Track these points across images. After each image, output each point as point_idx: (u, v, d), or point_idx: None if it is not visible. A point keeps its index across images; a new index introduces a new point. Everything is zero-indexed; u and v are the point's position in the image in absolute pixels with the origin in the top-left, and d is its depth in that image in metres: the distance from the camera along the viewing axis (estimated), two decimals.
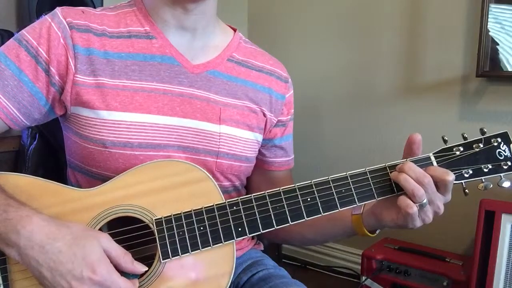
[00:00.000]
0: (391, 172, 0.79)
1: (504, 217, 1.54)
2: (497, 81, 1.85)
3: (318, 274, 2.37)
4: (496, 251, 1.55)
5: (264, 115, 0.94)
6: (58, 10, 0.83)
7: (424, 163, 0.79)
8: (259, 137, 0.95)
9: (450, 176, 0.76)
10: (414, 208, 0.75)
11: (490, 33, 1.77)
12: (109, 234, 0.78)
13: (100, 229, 0.77)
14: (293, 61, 2.34)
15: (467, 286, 1.65)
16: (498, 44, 1.77)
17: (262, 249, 1.07)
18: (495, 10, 1.75)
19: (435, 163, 0.79)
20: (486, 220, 1.58)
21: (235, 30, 0.98)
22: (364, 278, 1.91)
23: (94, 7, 1.63)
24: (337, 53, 2.31)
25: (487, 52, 1.78)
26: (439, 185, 0.76)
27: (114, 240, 0.75)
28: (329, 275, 2.35)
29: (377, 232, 0.87)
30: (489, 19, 1.75)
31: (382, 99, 2.18)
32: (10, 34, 1.62)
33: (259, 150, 0.97)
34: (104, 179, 0.81)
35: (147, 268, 0.74)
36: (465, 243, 1.95)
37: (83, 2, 1.68)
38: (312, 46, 2.39)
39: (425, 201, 0.75)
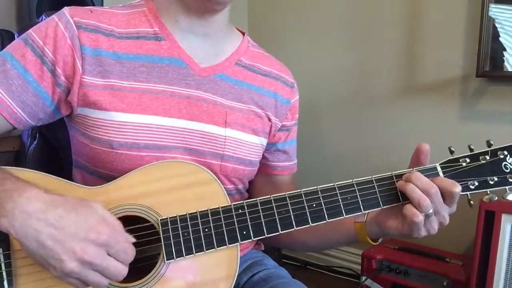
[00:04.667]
0: (397, 181, 0.79)
1: (504, 217, 1.54)
2: (497, 81, 1.85)
3: (318, 274, 2.37)
4: (496, 251, 1.55)
5: (269, 119, 0.94)
6: (65, 9, 0.82)
7: (430, 173, 0.79)
8: (264, 141, 0.95)
9: (457, 188, 0.75)
10: (420, 217, 0.75)
11: (490, 33, 1.76)
12: None
13: None
14: (293, 61, 2.32)
15: (467, 286, 1.65)
16: (498, 44, 1.77)
17: (263, 249, 1.07)
18: (495, 10, 1.75)
19: (441, 174, 0.79)
20: (486, 220, 1.58)
21: (243, 34, 0.97)
22: (364, 278, 1.91)
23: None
24: (337, 53, 2.31)
25: (487, 52, 1.78)
26: (446, 196, 0.76)
27: None
28: (329, 275, 2.35)
29: (380, 240, 0.87)
30: (489, 19, 1.75)
31: (382, 99, 2.18)
32: (10, 34, 1.62)
33: (262, 154, 0.97)
34: (110, 179, 0.80)
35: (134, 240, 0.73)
36: (465, 243, 1.96)
37: (83, 2, 1.68)
38: (312, 46, 2.39)
39: (430, 211, 0.75)
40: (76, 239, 0.65)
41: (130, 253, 0.71)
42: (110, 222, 0.70)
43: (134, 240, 0.73)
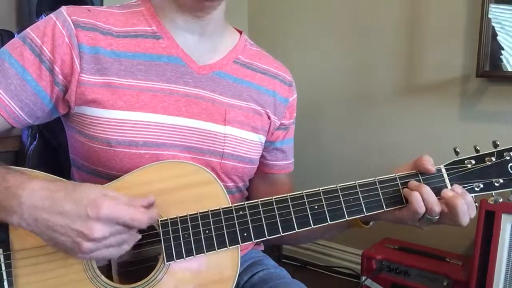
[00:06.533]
0: (401, 183, 0.79)
1: (504, 217, 1.55)
2: (497, 81, 1.85)
3: (318, 274, 2.37)
4: (496, 251, 1.55)
5: (269, 117, 0.95)
6: (63, 8, 0.82)
7: (436, 179, 0.79)
8: (263, 139, 0.95)
9: (466, 222, 0.77)
10: (421, 215, 0.77)
11: (489, 33, 1.76)
12: None
13: None
14: (293, 61, 2.33)
15: (467, 286, 1.65)
16: (498, 44, 1.77)
17: (263, 249, 1.07)
18: (495, 10, 1.75)
19: (445, 176, 0.79)
20: (486, 220, 1.58)
21: (241, 32, 0.98)
22: (364, 278, 1.91)
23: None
24: (337, 53, 2.31)
25: (487, 52, 1.78)
26: (451, 211, 0.77)
27: None
28: (329, 275, 2.35)
29: (371, 223, 0.87)
30: (489, 19, 1.75)
31: (382, 99, 2.18)
32: (10, 34, 1.62)
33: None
34: (109, 178, 0.80)
35: (153, 200, 0.73)
36: (465, 243, 1.96)
37: (83, 2, 1.68)
38: (312, 46, 2.39)
39: (435, 218, 0.77)
40: (80, 220, 0.66)
41: (140, 218, 0.69)
42: (111, 195, 0.69)
43: (151, 200, 0.72)
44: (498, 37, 1.76)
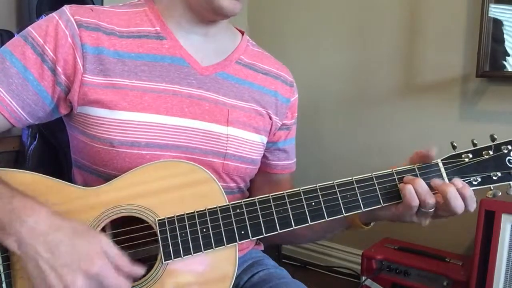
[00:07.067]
0: (398, 178, 0.79)
1: (504, 217, 1.54)
2: (497, 81, 1.85)
3: (318, 274, 2.37)
4: (496, 251, 1.55)
5: (270, 118, 0.95)
6: (66, 8, 0.82)
7: (433, 173, 0.79)
8: (265, 140, 0.95)
9: (460, 209, 0.76)
10: (415, 208, 0.77)
11: (490, 33, 1.76)
12: (112, 233, 0.78)
13: (103, 228, 0.76)
14: (293, 61, 2.33)
15: (467, 286, 1.65)
16: (498, 44, 1.77)
17: (263, 249, 1.07)
18: (495, 10, 1.75)
19: (443, 170, 0.79)
20: (486, 220, 1.57)
21: (242, 33, 0.98)
22: (364, 278, 1.91)
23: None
24: (336, 53, 2.31)
25: (487, 52, 1.78)
26: (444, 200, 0.76)
27: (117, 240, 0.76)
28: (329, 275, 2.35)
29: (372, 224, 0.87)
30: (489, 19, 1.75)
31: (382, 99, 2.18)
32: (10, 34, 1.62)
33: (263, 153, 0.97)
34: (110, 178, 0.80)
35: (144, 271, 0.73)
36: (465, 243, 1.95)
37: (84, 2, 1.68)
38: (312, 46, 2.39)
39: (430, 210, 0.77)
40: (68, 268, 0.65)
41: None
42: (110, 255, 0.68)
43: (141, 271, 0.71)
44: (499, 37, 1.76)
